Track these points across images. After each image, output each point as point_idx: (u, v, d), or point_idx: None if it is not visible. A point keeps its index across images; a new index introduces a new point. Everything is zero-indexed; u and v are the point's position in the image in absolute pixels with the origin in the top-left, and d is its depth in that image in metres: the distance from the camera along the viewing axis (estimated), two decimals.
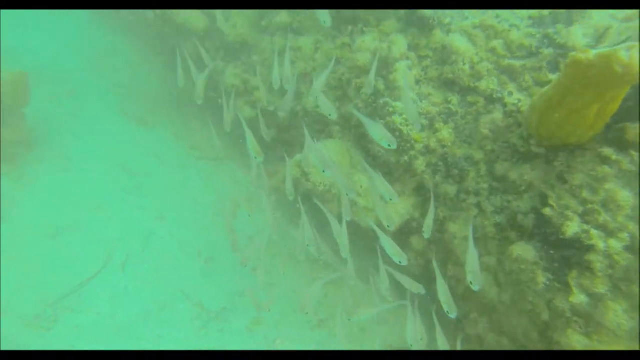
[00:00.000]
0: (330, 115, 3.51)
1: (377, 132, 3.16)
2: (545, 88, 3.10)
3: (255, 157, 3.51)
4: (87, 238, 5.11)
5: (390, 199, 3.22)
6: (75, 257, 4.92)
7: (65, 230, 5.12)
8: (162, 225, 5.39)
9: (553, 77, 3.39)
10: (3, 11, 7.80)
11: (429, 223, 3.31)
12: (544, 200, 3.38)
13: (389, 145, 3.12)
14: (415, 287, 3.68)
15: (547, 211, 3.22)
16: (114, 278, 4.83)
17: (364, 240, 4.45)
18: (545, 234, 3.28)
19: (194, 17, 5.81)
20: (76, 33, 8.58)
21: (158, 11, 6.26)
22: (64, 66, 7.81)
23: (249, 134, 3.57)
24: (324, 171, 3.16)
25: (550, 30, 3.50)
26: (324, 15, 3.53)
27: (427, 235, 3.38)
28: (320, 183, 4.23)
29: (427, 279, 4.11)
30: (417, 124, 3.36)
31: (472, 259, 2.96)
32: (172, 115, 6.91)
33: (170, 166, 6.17)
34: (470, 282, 2.94)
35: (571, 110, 2.86)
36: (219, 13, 4.80)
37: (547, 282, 3.15)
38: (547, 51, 3.48)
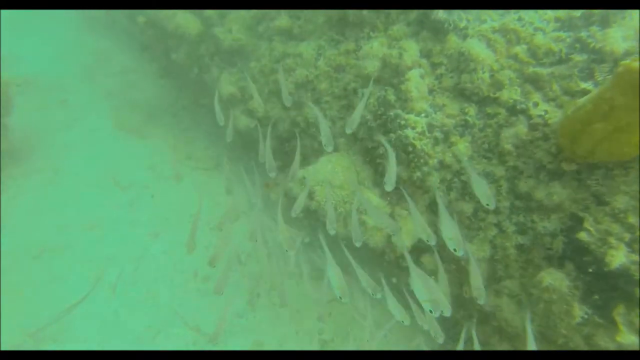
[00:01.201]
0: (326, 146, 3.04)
1: (480, 189, 2.67)
2: (583, 100, 2.62)
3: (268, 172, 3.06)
4: (74, 258, 4.54)
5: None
6: (61, 280, 4.36)
7: (51, 250, 4.55)
8: (156, 243, 4.83)
9: (586, 85, 2.91)
10: None
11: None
12: (576, 222, 2.91)
13: (487, 205, 2.66)
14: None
15: (582, 236, 2.75)
16: (103, 302, 4.27)
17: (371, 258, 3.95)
18: (580, 261, 2.81)
19: (188, 22, 5.24)
20: (68, 39, 7.96)
21: (150, 16, 5.69)
22: (55, 73, 7.20)
23: (267, 150, 3.10)
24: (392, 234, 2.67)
25: (583, 34, 3.03)
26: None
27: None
28: (325, 202, 3.71)
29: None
30: (460, 248, 2.60)
31: (474, 272, 2.66)
32: (167, 124, 6.34)
33: (165, 179, 5.61)
34: (475, 298, 2.55)
35: (618, 126, 2.38)
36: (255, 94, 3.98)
37: (585, 316, 2.68)
38: (580, 57, 3.00)
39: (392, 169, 2.93)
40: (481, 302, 2.62)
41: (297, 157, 3.27)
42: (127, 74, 7.16)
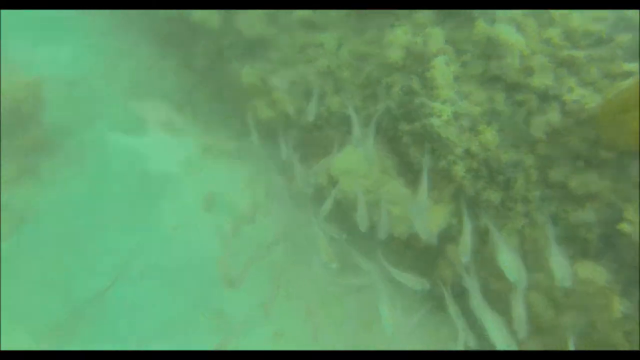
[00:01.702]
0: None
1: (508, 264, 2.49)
2: (626, 82, 2.41)
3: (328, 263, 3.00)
4: (100, 249, 4.57)
5: None
6: (88, 268, 4.40)
7: (78, 241, 4.59)
8: (178, 234, 4.81)
9: (630, 66, 2.68)
10: (19, 15, 7.25)
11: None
12: (615, 213, 2.72)
13: (515, 282, 2.50)
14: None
15: (624, 227, 2.56)
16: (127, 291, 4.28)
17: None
18: (620, 253, 2.62)
19: (209, 14, 5.15)
20: (91, 36, 8.00)
21: (173, 10, 5.63)
22: (80, 70, 7.25)
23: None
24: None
25: (629, 11, 2.78)
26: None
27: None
28: (351, 191, 3.60)
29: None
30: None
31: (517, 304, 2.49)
32: (193, 117, 6.31)
33: (191, 171, 5.58)
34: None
35: None
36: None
37: (626, 311, 2.50)
38: (624, 36, 2.76)
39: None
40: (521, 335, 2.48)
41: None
42: (150, 68, 7.16)
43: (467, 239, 2.83)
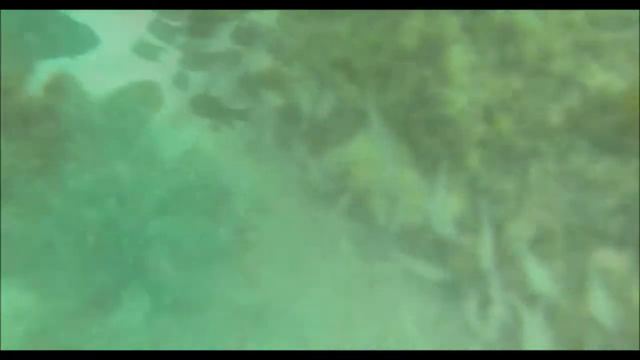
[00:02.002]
0: None
1: None
2: None
3: None
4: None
5: None
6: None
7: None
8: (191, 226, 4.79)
9: None
10: None
11: None
12: (637, 200, 2.64)
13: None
14: None
15: None
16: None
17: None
18: None
19: None
20: None
21: None
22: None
23: None
24: None
25: None
26: None
27: None
28: (365, 181, 3.55)
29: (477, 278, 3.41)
30: None
31: None
32: None
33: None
34: None
35: None
36: None
37: None
38: None
39: None
40: None
41: None
42: None
43: (483, 228, 2.79)
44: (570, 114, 2.94)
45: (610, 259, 2.62)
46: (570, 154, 3.01)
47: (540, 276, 3.15)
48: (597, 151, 2.81)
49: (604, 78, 2.76)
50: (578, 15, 2.91)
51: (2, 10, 3.85)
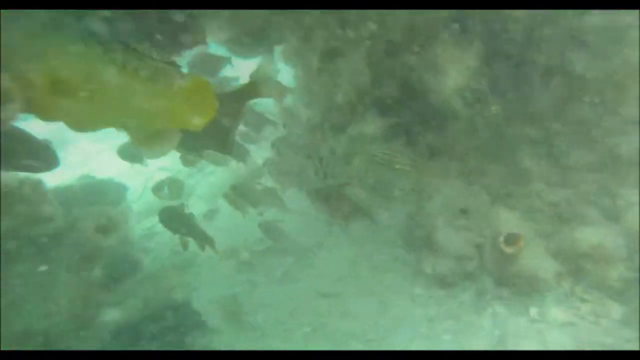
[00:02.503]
0: None
1: None
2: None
3: None
4: None
5: None
6: None
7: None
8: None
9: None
10: None
11: None
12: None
13: None
14: None
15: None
16: None
17: None
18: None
19: None
20: None
21: None
22: None
23: None
24: None
25: None
26: None
27: None
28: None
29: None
30: None
31: None
32: None
33: None
34: None
35: None
36: None
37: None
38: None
39: None
40: None
41: None
42: None
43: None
44: (556, 99, 2.97)
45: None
46: (557, 138, 3.03)
47: None
48: (580, 134, 2.82)
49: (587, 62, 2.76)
50: None
51: None
